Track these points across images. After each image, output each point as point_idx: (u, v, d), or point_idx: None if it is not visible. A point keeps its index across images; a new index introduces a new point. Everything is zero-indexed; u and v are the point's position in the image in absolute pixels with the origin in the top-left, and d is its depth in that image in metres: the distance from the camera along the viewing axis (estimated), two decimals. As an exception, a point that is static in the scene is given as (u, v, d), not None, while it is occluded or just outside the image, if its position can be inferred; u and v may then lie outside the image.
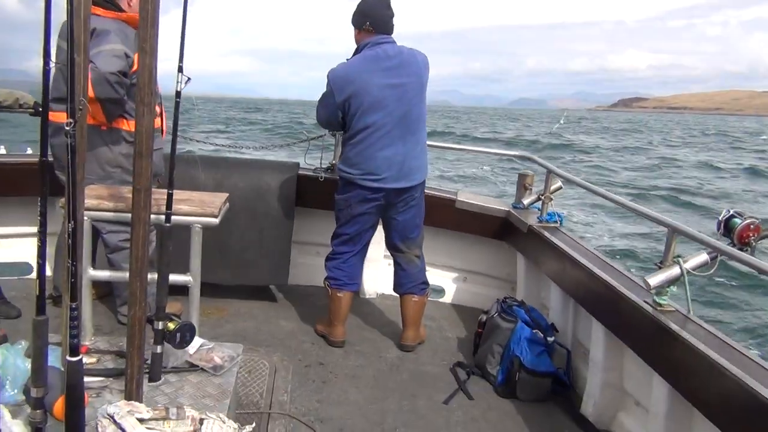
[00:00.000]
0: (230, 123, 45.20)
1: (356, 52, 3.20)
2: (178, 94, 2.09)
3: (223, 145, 4.82)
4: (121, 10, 3.05)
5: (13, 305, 3.27)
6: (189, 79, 2.04)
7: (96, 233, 3.28)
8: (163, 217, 2.22)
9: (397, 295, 3.53)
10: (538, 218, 3.70)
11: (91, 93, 2.81)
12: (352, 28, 3.23)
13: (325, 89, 3.20)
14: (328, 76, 3.17)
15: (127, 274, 1.98)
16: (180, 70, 2.02)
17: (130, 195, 1.91)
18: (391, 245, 3.45)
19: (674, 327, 2.36)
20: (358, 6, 3.22)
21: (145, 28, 1.78)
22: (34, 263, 3.96)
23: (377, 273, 4.11)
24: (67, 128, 1.34)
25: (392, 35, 3.21)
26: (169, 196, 2.17)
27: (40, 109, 3.48)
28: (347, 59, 3.23)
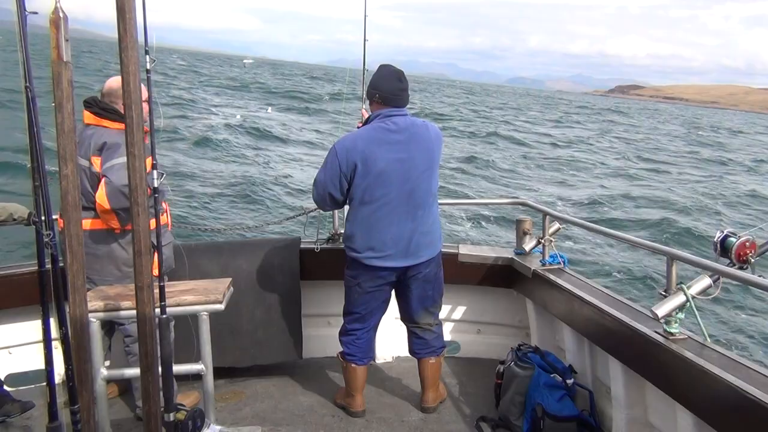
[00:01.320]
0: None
1: (366, 121, 3.20)
2: (155, 190, 2.16)
3: (222, 229, 4.89)
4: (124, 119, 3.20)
5: (18, 400, 3.22)
6: (164, 174, 2.13)
7: (112, 326, 3.32)
8: (171, 308, 2.27)
9: (411, 356, 3.52)
10: (541, 262, 3.73)
11: (107, 205, 2.94)
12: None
13: (328, 159, 3.11)
14: (335, 146, 3.12)
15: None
16: (154, 167, 2.12)
17: (131, 292, 1.97)
18: (406, 318, 3.40)
19: (688, 355, 2.36)
20: (371, 78, 3.21)
21: (132, 134, 1.87)
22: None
23: (391, 337, 4.11)
24: (46, 239, 1.41)
25: (406, 107, 3.17)
26: (161, 289, 2.22)
27: (34, 220, 3.60)
28: (358, 126, 3.25)
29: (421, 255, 3.15)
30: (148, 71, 2.06)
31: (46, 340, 1.46)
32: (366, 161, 3.03)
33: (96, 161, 3.03)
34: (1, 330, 3.55)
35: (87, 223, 2.92)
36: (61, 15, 1.63)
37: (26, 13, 1.72)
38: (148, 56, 2.02)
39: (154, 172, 2.07)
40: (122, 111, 3.17)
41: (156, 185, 2.12)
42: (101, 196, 2.96)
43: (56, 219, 3.36)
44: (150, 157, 2.28)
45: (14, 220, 3.14)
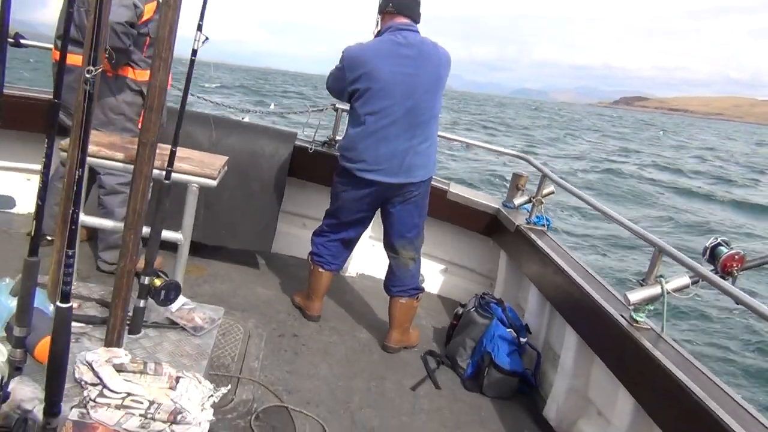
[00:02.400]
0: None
1: (378, 35, 3.11)
2: (194, 52, 2.07)
3: (225, 106, 4.77)
4: None
5: None
6: (207, 38, 2.02)
7: (92, 175, 3.25)
8: (160, 171, 2.20)
9: (378, 277, 3.55)
10: (526, 220, 3.74)
11: None
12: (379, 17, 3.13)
13: (338, 64, 3.10)
14: (343, 52, 3.07)
15: (116, 222, 1.97)
16: (199, 28, 2.00)
17: (129, 145, 1.91)
18: (387, 244, 3.35)
19: (647, 344, 2.42)
20: None
21: (172, -18, 1.76)
22: (17, 198, 3.92)
23: (360, 253, 4.13)
24: (88, 75, 1.33)
25: (418, 24, 3.10)
26: (172, 154, 2.16)
27: (21, 41, 3.43)
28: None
29: (413, 175, 3.09)
30: (194, 52, 1.94)
31: (45, 174, 1.39)
32: (370, 72, 2.97)
33: None
34: None
35: (79, 60, 2.79)
36: None
37: None
38: (199, 31, 1.91)
39: (197, 33, 1.95)
40: None
41: (197, 47, 2.01)
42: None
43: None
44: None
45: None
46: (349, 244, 3.42)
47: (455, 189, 4.04)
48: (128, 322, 2.16)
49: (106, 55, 2.90)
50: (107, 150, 2.29)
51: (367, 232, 3.93)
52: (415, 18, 3.10)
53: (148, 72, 1.99)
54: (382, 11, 3.09)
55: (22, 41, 3.42)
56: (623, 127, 70.81)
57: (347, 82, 3.03)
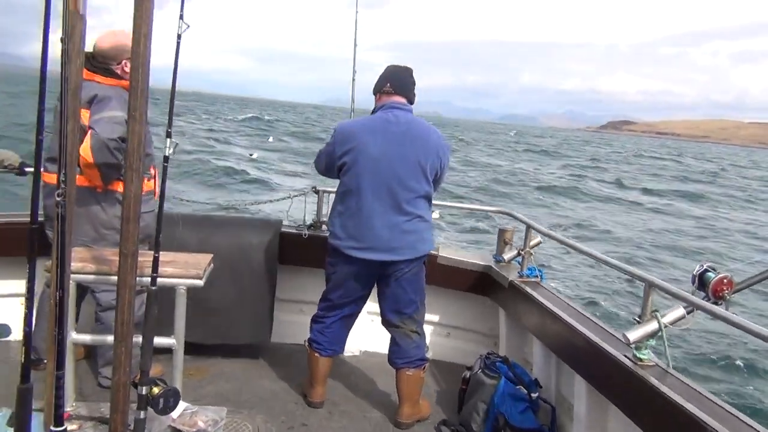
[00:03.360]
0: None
1: (372, 113, 3.19)
2: (166, 158, 2.13)
3: (210, 203, 4.86)
4: (118, 77, 3.12)
5: None
6: (177, 144, 2.09)
7: (83, 291, 3.26)
8: (148, 278, 2.23)
9: (382, 352, 3.50)
10: (519, 273, 3.75)
11: (90, 158, 2.87)
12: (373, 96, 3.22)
13: (328, 140, 3.17)
14: (335, 127, 3.16)
15: (110, 337, 1.97)
16: (168, 135, 2.07)
17: (115, 257, 1.93)
18: (384, 320, 3.31)
19: (654, 381, 2.40)
20: (382, 73, 3.21)
21: (135, 98, 1.84)
22: (13, 325, 3.90)
23: (361, 330, 4.11)
24: (58, 199, 1.38)
25: (412, 105, 3.17)
26: (155, 260, 2.19)
27: (26, 169, 3.52)
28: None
29: (402, 252, 3.07)
30: (179, 36, 2.02)
31: (29, 299, 1.41)
32: (358, 147, 3.03)
33: (84, 114, 2.95)
34: None
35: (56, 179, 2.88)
36: (81, -33, 1.59)
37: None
38: (181, 20, 1.98)
39: (168, 140, 2.02)
40: (114, 71, 3.15)
41: (168, 153, 2.07)
42: (85, 149, 2.88)
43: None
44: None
45: (5, 167, 3.08)
46: (347, 326, 3.38)
47: (444, 252, 4.06)
48: (130, 436, 2.13)
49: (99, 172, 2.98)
50: (92, 265, 2.32)
51: (366, 308, 3.92)
52: (410, 98, 3.18)
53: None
54: (379, 91, 3.18)
55: (26, 169, 3.54)
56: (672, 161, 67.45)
57: (337, 156, 3.09)
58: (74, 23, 1.61)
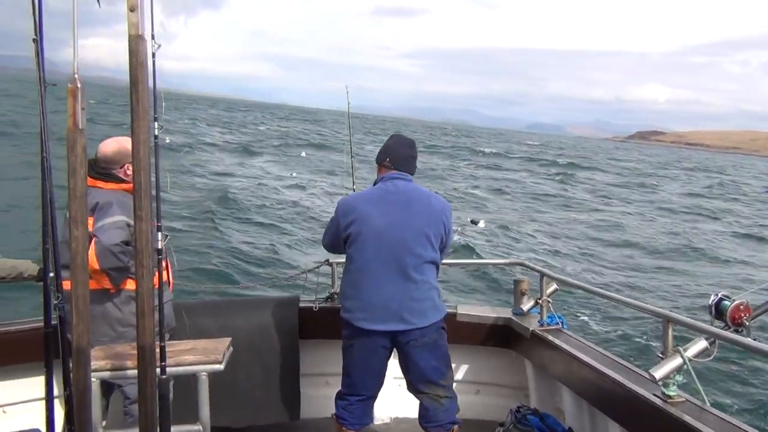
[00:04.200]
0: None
1: (374, 185, 3.29)
2: (159, 251, 2.22)
3: (223, 288, 4.93)
4: (121, 180, 3.25)
5: None
6: (168, 236, 2.19)
7: (110, 386, 3.31)
8: (171, 368, 2.28)
9: (412, 417, 3.46)
10: (539, 322, 3.74)
11: (96, 265, 2.97)
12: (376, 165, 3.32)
13: (333, 215, 3.26)
14: (338, 202, 3.27)
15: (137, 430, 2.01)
16: (159, 229, 2.17)
17: (135, 351, 1.98)
18: (410, 388, 3.26)
19: (687, 418, 2.36)
20: (383, 145, 3.33)
21: (140, 198, 1.94)
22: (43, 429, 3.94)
23: (388, 396, 4.08)
24: (55, 302, 1.45)
25: (412, 176, 3.26)
26: (162, 349, 2.24)
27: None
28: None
29: (413, 321, 3.06)
30: (156, 137, 2.15)
31: (49, 400, 1.47)
32: (361, 221, 3.09)
33: (89, 221, 3.07)
34: None
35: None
36: (78, 86, 1.72)
37: (46, 85, 1.80)
38: (156, 122, 2.11)
39: (159, 234, 2.12)
40: (117, 176, 3.28)
41: (160, 246, 2.17)
42: (91, 256, 2.96)
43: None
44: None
45: (24, 278, 3.18)
46: (371, 400, 3.33)
47: (463, 309, 4.07)
48: None
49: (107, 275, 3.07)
50: (114, 361, 2.37)
51: (392, 373, 3.90)
52: (410, 172, 3.27)
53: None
54: (379, 164, 3.29)
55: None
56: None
57: (341, 228, 3.16)
58: (76, 138, 1.73)
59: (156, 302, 2.23)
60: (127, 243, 3.05)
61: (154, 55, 2.19)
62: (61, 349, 1.43)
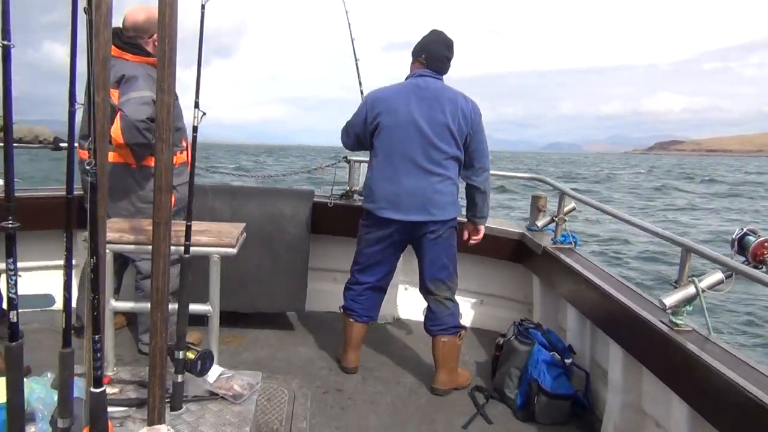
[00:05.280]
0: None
1: (406, 79, 3.24)
2: (195, 128, 2.16)
3: (241, 174, 4.89)
4: (148, 54, 3.14)
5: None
6: (204, 113, 2.11)
7: (126, 261, 3.34)
8: (182, 248, 2.27)
9: (416, 320, 3.53)
10: (552, 240, 3.72)
11: (121, 139, 2.92)
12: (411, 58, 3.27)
13: (357, 109, 3.26)
14: (366, 94, 3.25)
15: (149, 304, 2.03)
16: (196, 105, 2.09)
17: (150, 227, 1.97)
18: (421, 286, 3.35)
19: (691, 347, 2.36)
20: (422, 38, 3.25)
21: (162, 68, 1.85)
22: (56, 295, 4.04)
23: (395, 298, 4.13)
24: (88, 167, 1.41)
25: (443, 75, 3.22)
26: (188, 228, 2.22)
27: (60, 144, 3.59)
28: None
29: (434, 213, 3.12)
30: (203, 6, 2.03)
31: (68, 267, 1.46)
32: (389, 113, 3.10)
33: (114, 93, 2.98)
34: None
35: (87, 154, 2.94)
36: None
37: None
38: (197, 108, 2.01)
39: (196, 110, 2.05)
40: (144, 46, 3.17)
41: (196, 124, 2.10)
42: (116, 130, 2.92)
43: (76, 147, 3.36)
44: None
45: (40, 142, 3.16)
46: (380, 292, 3.42)
47: None
48: (169, 400, 2.19)
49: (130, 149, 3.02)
50: (129, 235, 2.37)
51: (400, 276, 3.94)
52: (443, 72, 3.22)
53: (174, 157, 2.08)
54: (414, 58, 3.24)
55: (61, 144, 3.62)
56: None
57: (369, 120, 3.16)
58: (100, -6, 1.62)
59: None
60: (152, 120, 2.99)
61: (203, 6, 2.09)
62: (89, 217, 1.40)
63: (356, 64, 4.30)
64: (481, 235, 3.42)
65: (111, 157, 3.03)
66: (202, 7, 2.06)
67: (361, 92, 4.05)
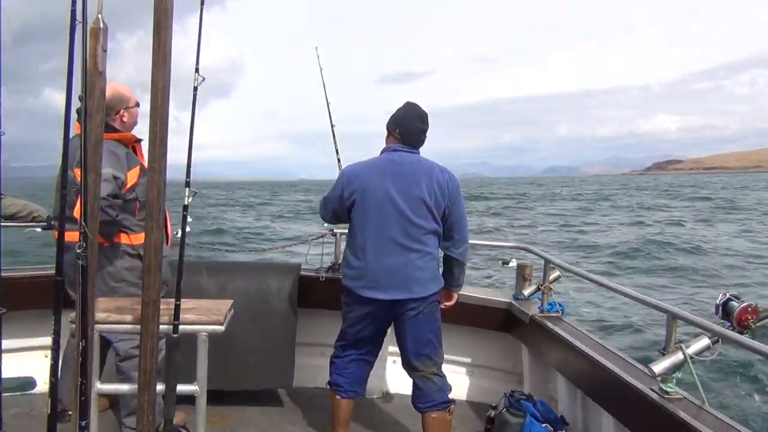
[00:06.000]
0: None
1: (381, 153, 3.26)
2: (185, 207, 2.18)
3: (227, 249, 4.89)
4: (113, 129, 3.16)
5: None
6: (195, 192, 2.14)
7: (105, 343, 3.27)
8: (170, 326, 2.25)
9: (405, 393, 3.46)
10: (539, 308, 3.72)
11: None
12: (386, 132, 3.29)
13: (334, 184, 3.24)
14: (343, 170, 3.26)
15: (133, 386, 1.99)
16: (187, 185, 2.12)
17: (137, 306, 1.96)
18: (404, 363, 3.27)
19: (683, 415, 2.35)
20: (396, 112, 3.27)
21: (154, 149, 1.89)
22: (37, 378, 3.92)
23: (382, 372, 4.07)
24: (79, 251, 1.42)
25: (419, 149, 3.23)
26: (177, 308, 2.21)
27: (52, 223, 3.57)
28: None
29: (416, 290, 3.07)
30: (195, 88, 2.08)
31: (56, 350, 1.44)
32: (365, 189, 3.09)
33: (77, 173, 2.99)
34: None
35: (74, 236, 2.92)
36: (101, 26, 1.65)
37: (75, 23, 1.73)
38: (197, 73, 2.05)
39: (186, 189, 2.07)
40: (111, 123, 3.20)
41: (187, 203, 2.12)
42: (77, 211, 2.91)
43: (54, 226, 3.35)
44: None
45: (33, 219, 3.15)
46: (365, 367, 3.35)
47: (462, 291, 4.04)
48: (154, 486, 2.12)
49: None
50: (115, 315, 2.34)
51: (387, 349, 3.89)
52: (418, 146, 3.23)
53: (143, 234, 2.07)
54: (389, 132, 3.26)
55: (53, 223, 3.60)
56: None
57: (344, 196, 3.14)
58: (94, 81, 1.67)
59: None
60: (114, 196, 2.98)
61: (196, 89, 2.16)
62: (79, 299, 1.39)
63: (332, 130, 4.29)
64: (453, 302, 3.39)
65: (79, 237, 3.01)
66: (195, 89, 2.12)
67: (338, 161, 4.13)
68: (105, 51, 1.66)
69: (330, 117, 4.31)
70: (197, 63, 2.15)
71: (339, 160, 4.15)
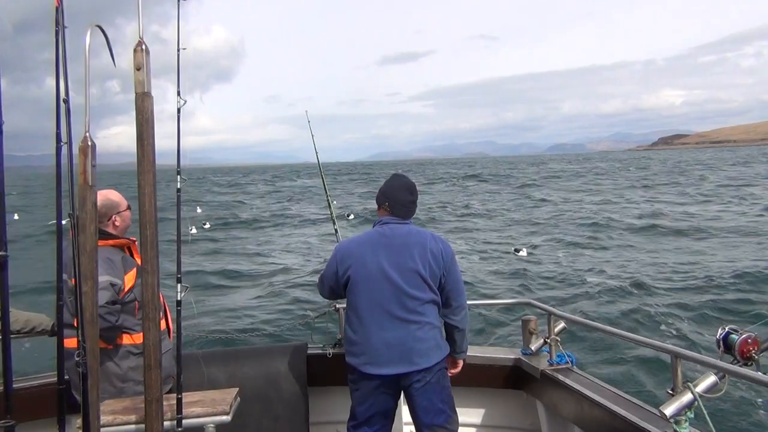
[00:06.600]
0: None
1: (373, 226, 3.30)
2: (178, 302, 2.24)
3: (231, 337, 4.91)
4: (108, 235, 3.21)
5: None
6: (188, 287, 2.20)
7: None
8: (173, 422, 2.27)
9: None
10: (548, 362, 3.70)
11: None
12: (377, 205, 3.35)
13: (329, 262, 3.25)
14: (335, 247, 3.28)
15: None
16: (179, 280, 2.19)
17: (143, 405, 1.99)
18: None
19: None
20: (384, 184, 3.35)
21: (146, 252, 1.97)
22: None
23: None
24: (77, 358, 1.47)
25: (410, 219, 3.27)
26: (179, 401, 2.24)
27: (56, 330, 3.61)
28: None
29: (418, 362, 3.05)
30: (179, 190, 2.18)
31: None
32: (359, 266, 3.11)
33: (72, 282, 3.02)
34: None
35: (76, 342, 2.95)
36: (89, 143, 1.77)
37: (61, 144, 1.83)
38: (179, 176, 2.16)
39: (179, 285, 2.14)
40: (104, 229, 3.28)
41: (180, 298, 2.18)
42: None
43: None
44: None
45: (38, 332, 3.20)
46: None
47: (471, 351, 4.02)
48: None
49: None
50: (122, 416, 2.37)
51: (404, 419, 3.84)
52: (408, 217, 3.28)
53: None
54: (379, 205, 3.31)
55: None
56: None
57: (339, 274, 3.16)
58: (85, 195, 1.76)
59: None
60: (113, 302, 2.99)
61: (179, 111, 2.27)
62: (82, 405, 1.44)
63: (328, 201, 4.44)
64: (459, 369, 3.38)
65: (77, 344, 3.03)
66: (178, 111, 2.21)
67: (336, 231, 4.21)
68: (94, 166, 1.77)
69: (323, 182, 4.44)
70: (178, 86, 2.24)
71: (336, 231, 4.21)
